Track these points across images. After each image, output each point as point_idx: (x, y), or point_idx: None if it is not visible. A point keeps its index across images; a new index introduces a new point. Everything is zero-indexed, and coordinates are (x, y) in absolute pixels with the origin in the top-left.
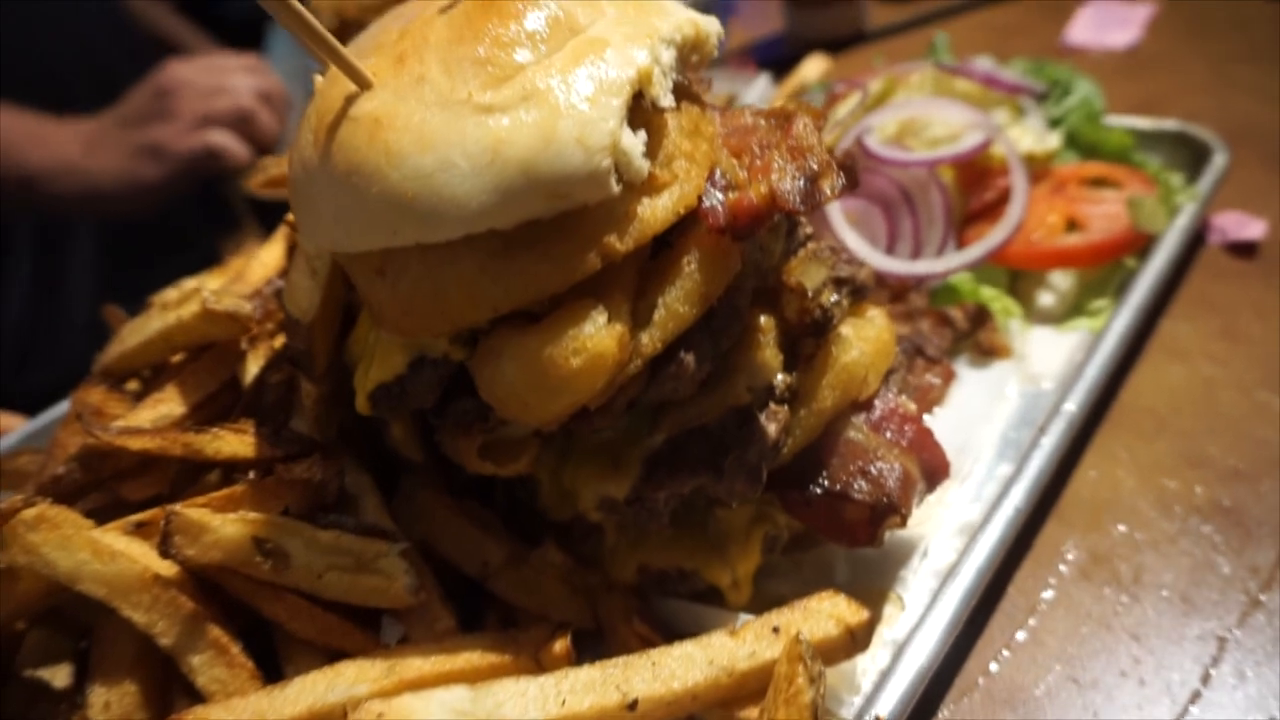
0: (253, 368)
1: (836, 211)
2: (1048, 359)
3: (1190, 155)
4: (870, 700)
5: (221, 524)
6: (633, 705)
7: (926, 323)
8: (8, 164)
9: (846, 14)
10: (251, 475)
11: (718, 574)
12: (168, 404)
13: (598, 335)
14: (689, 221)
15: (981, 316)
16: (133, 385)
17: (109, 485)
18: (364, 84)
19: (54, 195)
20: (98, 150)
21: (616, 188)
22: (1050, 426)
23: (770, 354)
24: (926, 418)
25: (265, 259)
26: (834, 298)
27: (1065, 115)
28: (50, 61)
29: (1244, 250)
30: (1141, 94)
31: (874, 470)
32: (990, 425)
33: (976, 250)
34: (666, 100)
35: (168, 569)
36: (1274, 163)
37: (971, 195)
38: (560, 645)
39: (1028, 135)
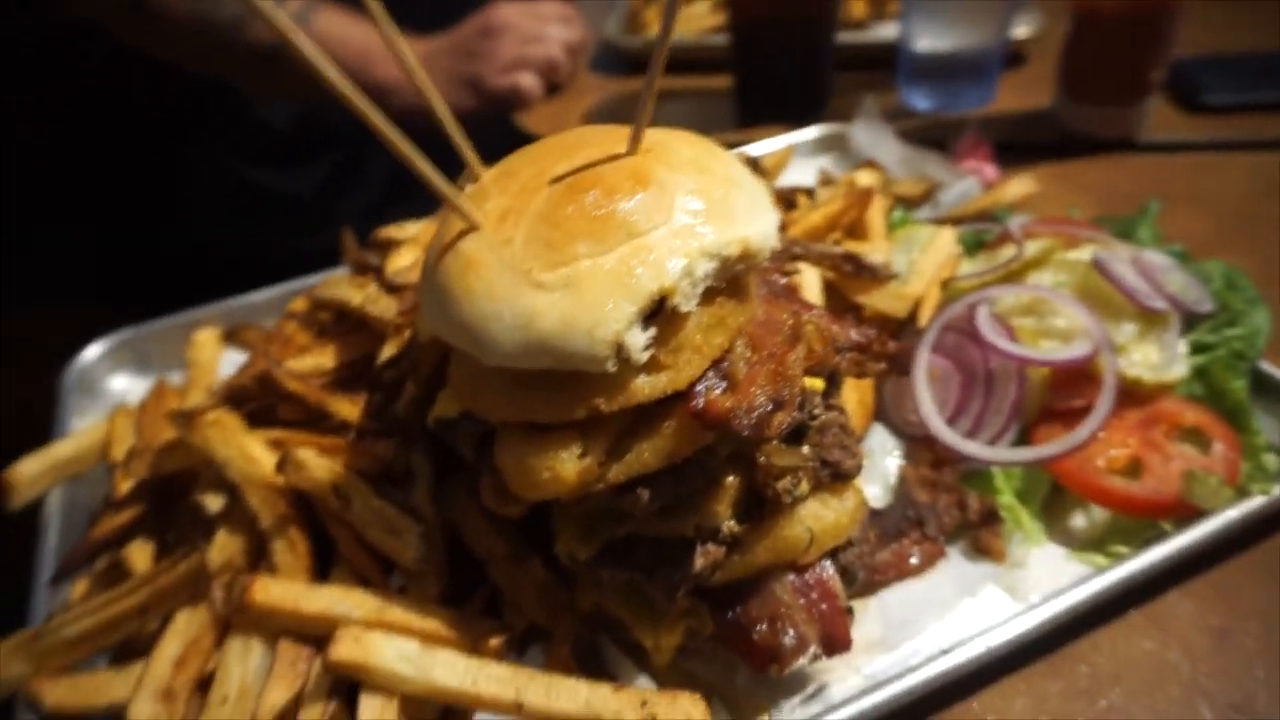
0: (386, 352)
1: (924, 359)
2: (1041, 579)
3: None
4: None
5: (316, 466)
6: (519, 708)
7: (945, 500)
8: (361, 76)
9: (1122, 118)
10: (353, 435)
11: (647, 637)
12: (324, 358)
13: (567, 464)
14: (679, 395)
15: (990, 518)
16: (326, 316)
17: (272, 400)
18: (472, 227)
19: (388, 107)
20: (429, 73)
21: (612, 369)
22: (972, 644)
23: (723, 509)
24: (889, 587)
25: None
26: (789, 486)
27: (1216, 345)
28: None
29: None
30: None
31: (779, 624)
32: (943, 619)
33: (1025, 454)
34: (687, 306)
35: (280, 480)
36: None
37: (1061, 394)
38: (494, 643)
39: (1151, 356)
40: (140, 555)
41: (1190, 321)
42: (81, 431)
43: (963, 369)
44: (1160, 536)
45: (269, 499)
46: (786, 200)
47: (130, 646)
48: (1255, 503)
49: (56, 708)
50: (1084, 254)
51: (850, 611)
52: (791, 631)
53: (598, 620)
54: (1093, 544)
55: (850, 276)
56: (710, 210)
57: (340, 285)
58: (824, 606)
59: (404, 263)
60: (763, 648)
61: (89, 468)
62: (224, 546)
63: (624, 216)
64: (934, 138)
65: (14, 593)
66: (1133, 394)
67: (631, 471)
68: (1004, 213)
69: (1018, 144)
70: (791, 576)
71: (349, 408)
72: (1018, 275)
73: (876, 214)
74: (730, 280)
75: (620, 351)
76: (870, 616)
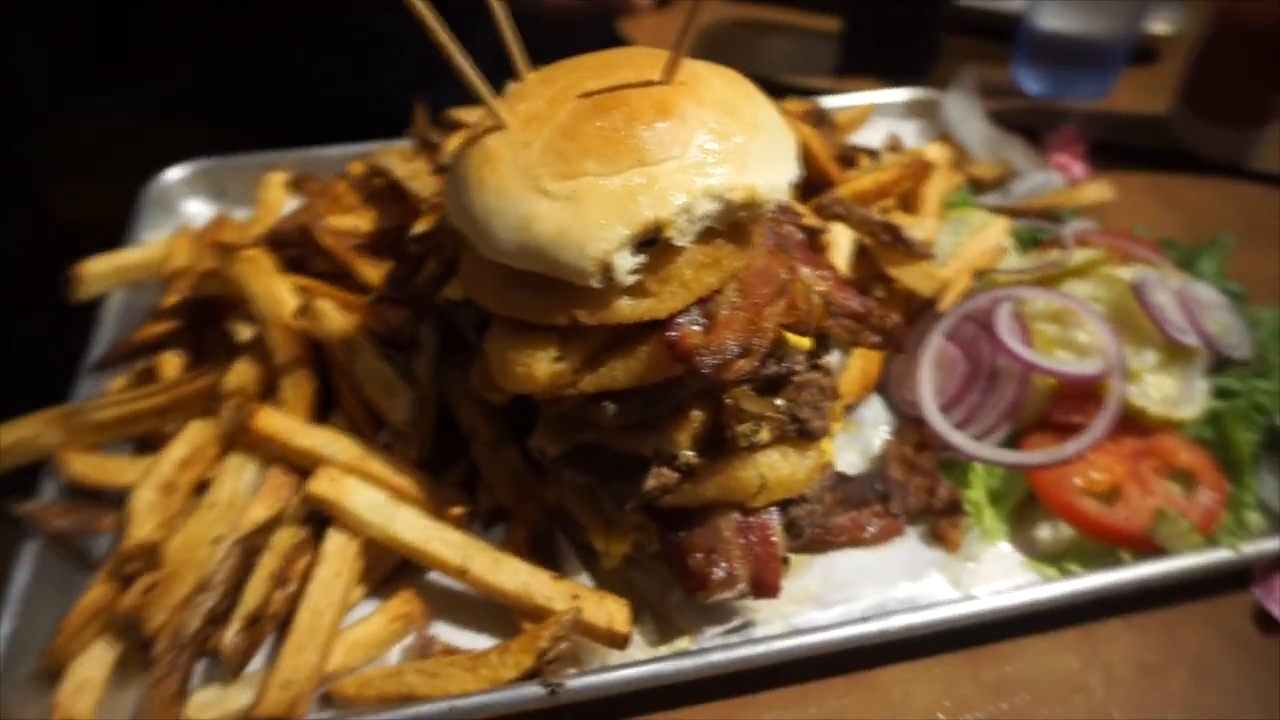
0: (418, 227)
1: (934, 344)
2: (989, 578)
3: None
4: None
5: (332, 318)
6: (463, 573)
7: (917, 482)
8: None
9: (1238, 140)
10: (372, 297)
11: (599, 541)
12: (363, 221)
13: (540, 363)
14: (658, 323)
15: (953, 508)
16: (379, 182)
17: (307, 250)
18: (500, 125)
19: None
20: None
21: (597, 285)
22: (896, 617)
23: (683, 438)
24: (839, 550)
25: None
26: (748, 431)
27: (1239, 393)
28: None
29: (1269, 625)
30: None
31: (714, 556)
32: (882, 592)
33: (1006, 456)
34: (682, 241)
35: (298, 324)
36: None
37: (1063, 407)
38: (455, 512)
39: (1166, 389)
40: (171, 364)
41: (1222, 364)
42: (148, 244)
43: (971, 360)
44: (1117, 565)
45: (286, 339)
46: (846, 159)
47: (150, 444)
48: (1219, 554)
49: (77, 478)
50: (1130, 273)
51: (786, 561)
52: (724, 565)
53: (559, 516)
54: (1051, 557)
55: (886, 246)
56: (725, 152)
57: (390, 155)
58: (760, 551)
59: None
60: (695, 573)
61: (148, 278)
62: (241, 373)
63: (638, 143)
64: (1031, 124)
65: (62, 376)
66: (1136, 422)
67: (602, 384)
68: (1069, 214)
69: (1120, 147)
70: (737, 516)
71: (373, 271)
72: (1056, 280)
73: (932, 190)
74: (732, 224)
75: (607, 270)
76: (813, 573)
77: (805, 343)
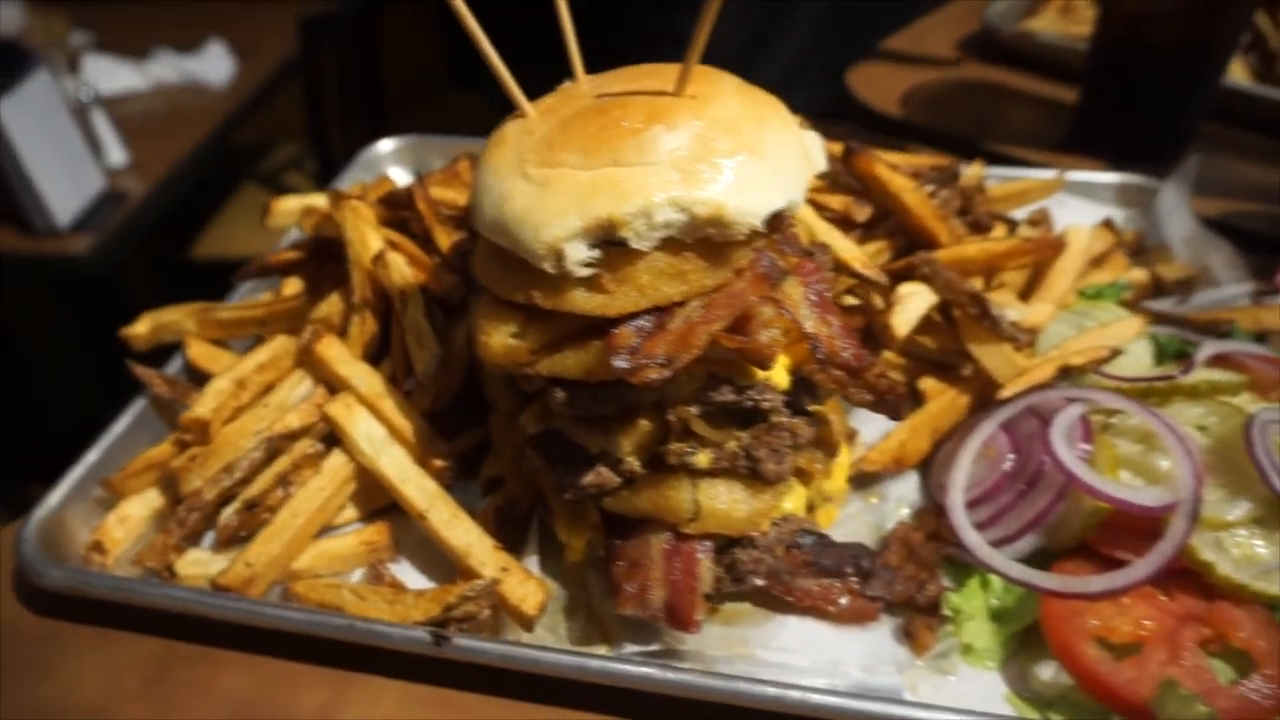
0: None
1: (985, 431)
2: (959, 697)
3: None
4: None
5: (396, 271)
6: (422, 518)
7: (910, 570)
8: None
9: None
10: (437, 261)
11: (562, 532)
12: (460, 196)
13: (497, 335)
14: (615, 322)
15: (932, 608)
16: None
17: (410, 212)
18: (523, 112)
19: None
20: None
21: (550, 270)
22: (802, 692)
23: (627, 443)
24: (804, 619)
25: None
26: (681, 451)
27: None
28: None
29: None
30: None
31: (633, 570)
32: (826, 671)
33: (1013, 570)
34: (638, 244)
35: (373, 271)
36: None
37: (1113, 538)
38: (436, 464)
39: (1254, 550)
40: (291, 287)
41: None
42: None
43: (1019, 458)
44: None
45: (364, 282)
46: (980, 225)
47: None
48: None
49: (193, 360)
50: (1259, 408)
51: (709, 599)
52: (638, 581)
53: (543, 500)
54: (1041, 701)
55: (973, 320)
56: (704, 168)
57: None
58: (680, 580)
59: None
60: (613, 580)
61: None
62: (331, 304)
63: (619, 144)
64: (1271, 232)
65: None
66: (1200, 580)
67: (554, 370)
68: (1241, 333)
69: None
70: (669, 537)
71: (448, 240)
72: (1165, 397)
73: (1061, 273)
74: (703, 240)
75: (558, 257)
76: (761, 628)
77: (780, 380)
